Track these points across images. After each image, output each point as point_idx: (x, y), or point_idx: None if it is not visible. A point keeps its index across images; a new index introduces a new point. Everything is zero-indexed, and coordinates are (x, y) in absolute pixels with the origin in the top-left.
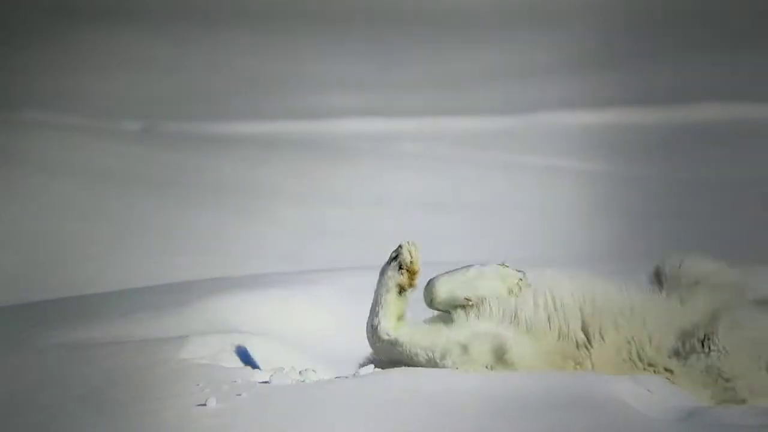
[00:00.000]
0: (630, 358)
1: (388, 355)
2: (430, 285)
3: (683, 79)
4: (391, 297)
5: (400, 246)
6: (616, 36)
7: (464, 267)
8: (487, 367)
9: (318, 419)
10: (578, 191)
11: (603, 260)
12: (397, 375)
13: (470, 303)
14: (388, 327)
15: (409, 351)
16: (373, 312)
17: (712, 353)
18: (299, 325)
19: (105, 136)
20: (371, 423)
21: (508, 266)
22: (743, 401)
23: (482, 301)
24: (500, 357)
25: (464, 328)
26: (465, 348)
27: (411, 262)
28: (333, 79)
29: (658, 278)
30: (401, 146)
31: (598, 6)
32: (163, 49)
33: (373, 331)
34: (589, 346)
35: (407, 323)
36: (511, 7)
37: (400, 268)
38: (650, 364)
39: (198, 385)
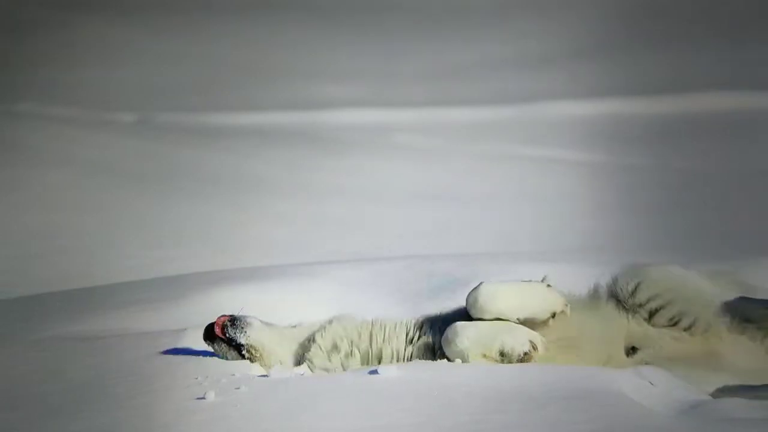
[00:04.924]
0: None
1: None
2: (480, 304)
3: (682, 69)
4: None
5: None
6: (615, 26)
7: (517, 283)
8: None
9: (316, 413)
10: (576, 182)
11: (601, 251)
12: (395, 369)
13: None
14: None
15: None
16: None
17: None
18: (296, 317)
19: (100, 128)
20: (370, 416)
21: (551, 285)
22: None
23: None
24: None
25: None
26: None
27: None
28: (327, 69)
29: (614, 294)
30: (397, 137)
31: None
32: (158, 41)
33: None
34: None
35: None
36: None
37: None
38: None
39: (196, 378)
